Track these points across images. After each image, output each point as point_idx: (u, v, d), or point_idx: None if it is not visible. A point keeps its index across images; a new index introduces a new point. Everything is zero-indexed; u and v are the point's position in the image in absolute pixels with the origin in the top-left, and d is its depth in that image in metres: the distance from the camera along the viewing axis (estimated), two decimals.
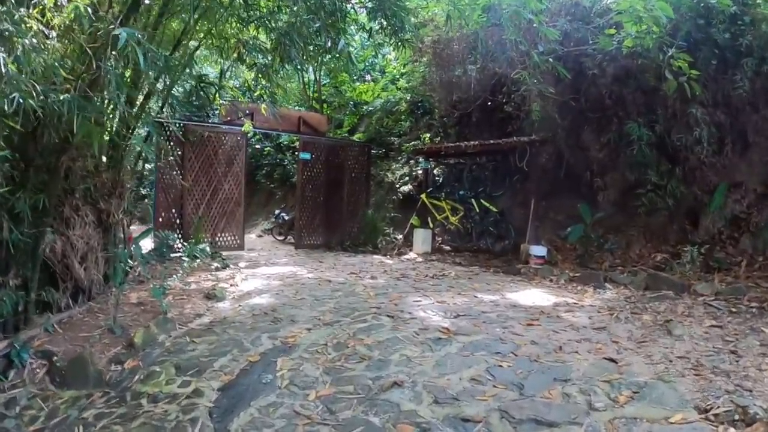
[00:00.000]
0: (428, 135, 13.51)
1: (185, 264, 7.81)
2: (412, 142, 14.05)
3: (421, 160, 12.99)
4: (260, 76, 11.37)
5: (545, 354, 4.45)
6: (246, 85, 11.14)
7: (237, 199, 11.85)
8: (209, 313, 6.12)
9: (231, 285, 7.43)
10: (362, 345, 4.69)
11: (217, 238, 11.68)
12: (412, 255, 11.34)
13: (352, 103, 17.64)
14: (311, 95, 17.94)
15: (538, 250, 9.17)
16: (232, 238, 11.88)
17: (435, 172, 12.74)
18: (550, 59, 8.26)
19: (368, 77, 17.99)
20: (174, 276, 7.51)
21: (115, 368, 4.93)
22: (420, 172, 13.68)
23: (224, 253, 11.53)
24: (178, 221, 11.26)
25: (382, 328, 5.13)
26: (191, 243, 10.52)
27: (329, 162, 13.13)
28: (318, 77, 17.49)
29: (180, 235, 11.00)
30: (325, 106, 17.84)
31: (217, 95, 7.57)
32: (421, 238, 11.58)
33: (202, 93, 7.37)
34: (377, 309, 5.90)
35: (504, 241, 10.87)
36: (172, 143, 11.15)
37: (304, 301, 6.49)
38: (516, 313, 5.77)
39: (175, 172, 11.23)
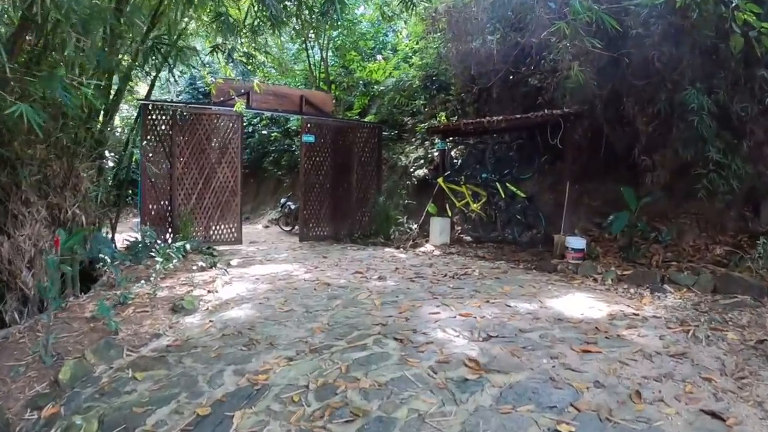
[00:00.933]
0: (444, 113, 12.04)
1: (158, 266, 6.51)
2: (427, 122, 12.58)
3: (437, 140, 11.53)
4: (254, 49, 10.10)
5: (619, 406, 3.03)
6: (241, 59, 9.79)
7: (233, 188, 10.52)
8: (171, 331, 4.78)
9: (209, 291, 6.08)
10: (356, 390, 3.30)
11: (211, 232, 10.39)
12: (428, 247, 9.94)
13: (362, 83, 16.17)
14: (318, 75, 16.50)
15: (576, 242, 7.70)
16: (229, 231, 10.58)
17: (453, 153, 11.27)
18: (592, 12, 6.73)
19: (379, 57, 16.50)
20: (142, 281, 6.21)
21: (30, 416, 3.62)
22: (436, 154, 12.23)
23: (220, 248, 10.27)
24: (168, 214, 9.99)
25: (386, 361, 3.74)
26: (179, 238, 9.27)
27: (336, 145, 11.74)
28: (325, 56, 16.03)
29: (170, 230, 9.73)
30: (333, 87, 16.41)
31: (178, 58, 6.16)
32: (439, 228, 10.16)
33: (157, 55, 5.97)
34: (382, 327, 4.51)
35: (533, 231, 9.42)
36: (160, 126, 9.86)
37: (291, 314, 5.12)
38: (564, 332, 4.33)
39: (163, 160, 9.94)
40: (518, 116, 8.65)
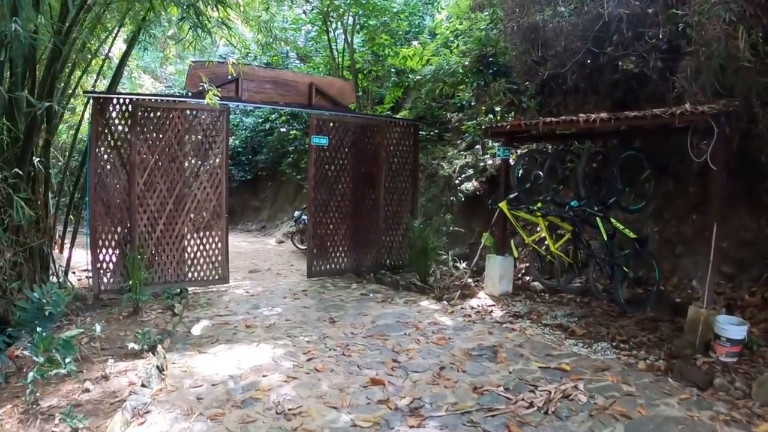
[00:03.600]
0: (498, 109, 8.77)
1: (32, 374, 3.52)
2: (479, 118, 9.34)
3: (495, 146, 8.30)
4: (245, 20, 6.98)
5: None
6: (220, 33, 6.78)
7: (216, 208, 7.51)
8: None
9: None
10: None
11: (185, 269, 7.41)
12: (483, 300, 6.75)
13: (394, 71, 12.95)
14: (341, 63, 13.34)
15: (734, 328, 4.41)
16: (210, 266, 7.57)
17: (518, 163, 7.94)
18: None
19: (415, 43, 13.27)
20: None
21: None
22: (490, 162, 8.97)
23: (199, 290, 7.35)
24: (127, 245, 7.07)
25: None
26: (127, 287, 6.35)
27: (358, 149, 8.61)
28: (350, 39, 12.85)
29: (125, 269, 6.80)
30: (360, 77, 13.26)
31: None
32: (499, 272, 6.95)
33: None
34: None
35: (641, 288, 6.16)
36: (116, 127, 6.95)
37: None
38: None
39: (120, 172, 7.01)
40: (637, 115, 5.28)
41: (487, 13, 9.25)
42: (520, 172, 7.41)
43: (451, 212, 9.29)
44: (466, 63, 9.03)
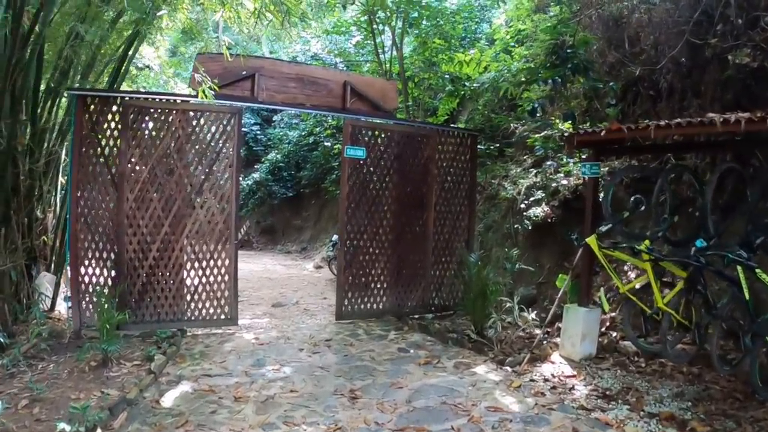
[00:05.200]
0: (572, 116, 6.88)
1: None
2: (550, 127, 7.51)
3: (570, 161, 6.48)
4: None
5: None
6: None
7: (223, 232, 5.99)
8: None
9: None
10: None
11: (183, 307, 5.90)
12: (558, 366, 4.90)
13: (448, 77, 11.26)
14: (389, 71, 11.76)
15: None
16: (214, 304, 6.02)
17: (612, 184, 5.94)
18: None
19: (471, 52, 11.58)
20: None
21: None
22: (567, 181, 7.11)
23: (198, 333, 5.86)
24: (113, 272, 5.67)
25: None
26: (96, 327, 4.91)
27: (403, 163, 6.95)
28: (399, 44, 11.29)
29: (116, 300, 5.36)
30: (411, 86, 11.65)
31: None
32: (581, 329, 5.06)
33: None
34: None
35: None
36: (104, 132, 5.63)
37: None
38: None
39: (108, 187, 5.65)
40: None
41: (553, 14, 7.46)
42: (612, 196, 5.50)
43: (516, 243, 7.45)
44: (542, 57, 7.15)
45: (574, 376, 4.70)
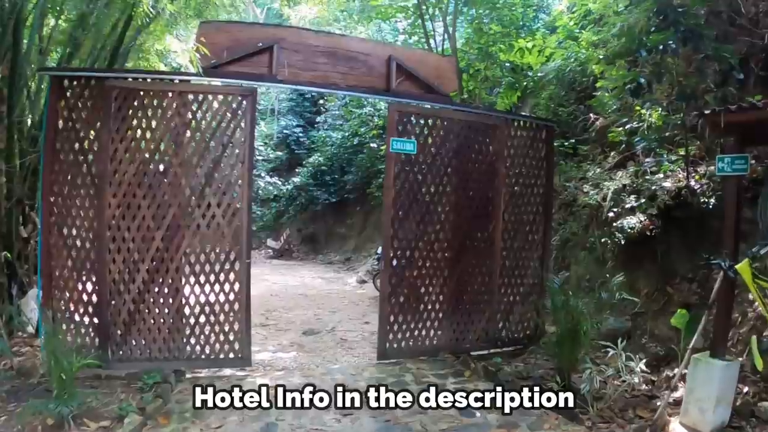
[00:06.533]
0: (694, 92, 5.11)
1: None
2: (629, 125, 5.81)
3: (676, 161, 4.76)
4: None
5: None
6: None
7: (231, 248, 4.59)
8: None
9: None
10: None
11: (181, 341, 4.53)
12: None
13: (508, 65, 9.64)
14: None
15: None
16: (220, 339, 4.60)
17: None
18: None
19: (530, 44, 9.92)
20: None
21: None
22: (670, 183, 5.39)
23: (200, 375, 4.48)
24: (93, 298, 4.39)
25: None
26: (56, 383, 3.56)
27: (464, 159, 5.37)
28: (451, 31, 9.73)
29: (97, 338, 4.05)
30: (465, 78, 10.07)
31: None
32: (715, 390, 3.38)
33: None
34: None
35: None
36: (82, 121, 4.38)
37: None
38: None
39: (88, 190, 4.38)
40: None
41: None
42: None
43: (603, 261, 5.76)
44: (643, 23, 5.38)
45: None
